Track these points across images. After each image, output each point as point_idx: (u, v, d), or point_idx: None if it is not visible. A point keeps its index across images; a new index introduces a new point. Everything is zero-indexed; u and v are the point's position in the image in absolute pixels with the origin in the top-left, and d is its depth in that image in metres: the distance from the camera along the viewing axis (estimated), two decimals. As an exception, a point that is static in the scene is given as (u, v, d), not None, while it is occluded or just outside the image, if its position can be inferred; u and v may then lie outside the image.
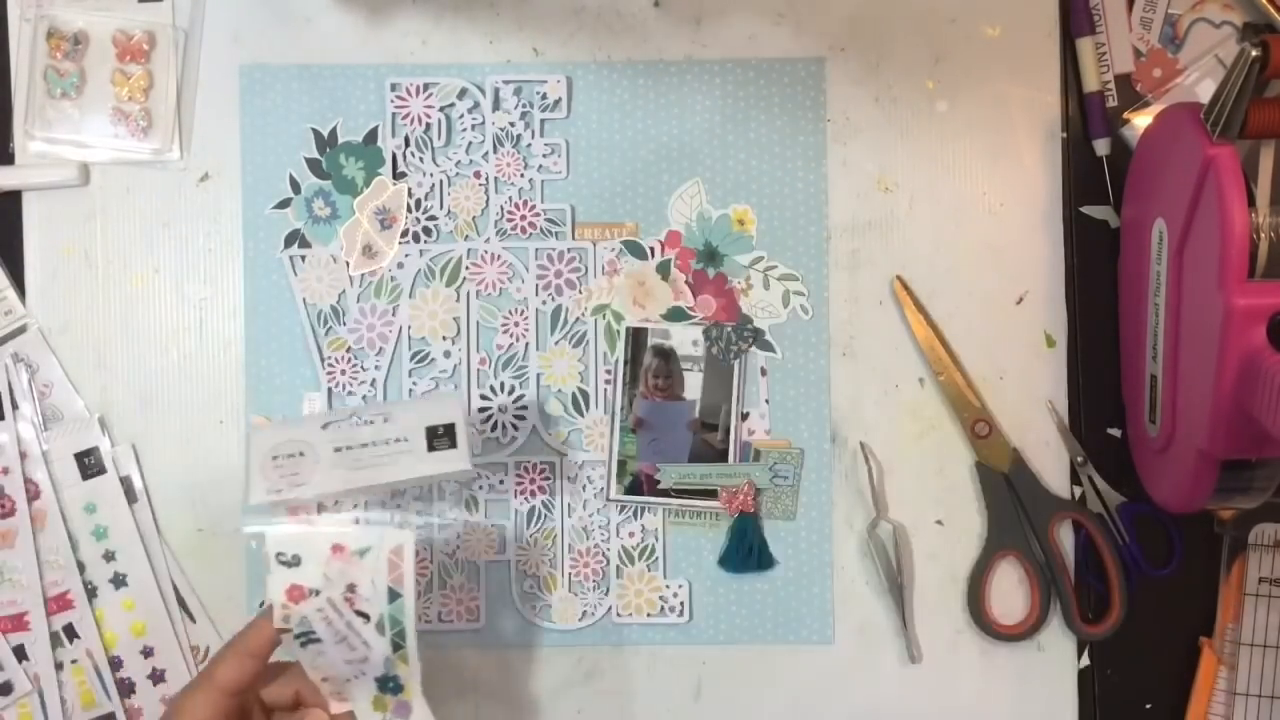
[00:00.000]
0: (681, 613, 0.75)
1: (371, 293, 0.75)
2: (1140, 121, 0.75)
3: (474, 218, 0.75)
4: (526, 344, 0.75)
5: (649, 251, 0.75)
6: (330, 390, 0.75)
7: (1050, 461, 0.76)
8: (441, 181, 0.75)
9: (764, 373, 0.75)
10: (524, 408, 0.75)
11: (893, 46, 0.76)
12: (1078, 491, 0.76)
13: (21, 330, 0.75)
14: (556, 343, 0.75)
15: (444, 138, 0.75)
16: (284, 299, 0.75)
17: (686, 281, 0.75)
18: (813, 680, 0.75)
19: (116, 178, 0.76)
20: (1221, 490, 0.65)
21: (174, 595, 0.75)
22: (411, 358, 0.75)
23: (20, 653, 0.74)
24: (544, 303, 0.75)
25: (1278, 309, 0.59)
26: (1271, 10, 0.74)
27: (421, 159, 0.75)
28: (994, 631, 0.75)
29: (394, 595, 0.60)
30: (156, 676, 0.75)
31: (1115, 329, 0.75)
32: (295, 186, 0.76)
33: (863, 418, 0.76)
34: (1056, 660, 0.75)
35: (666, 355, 0.75)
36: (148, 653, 0.74)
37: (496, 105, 0.75)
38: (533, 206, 0.75)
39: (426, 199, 0.75)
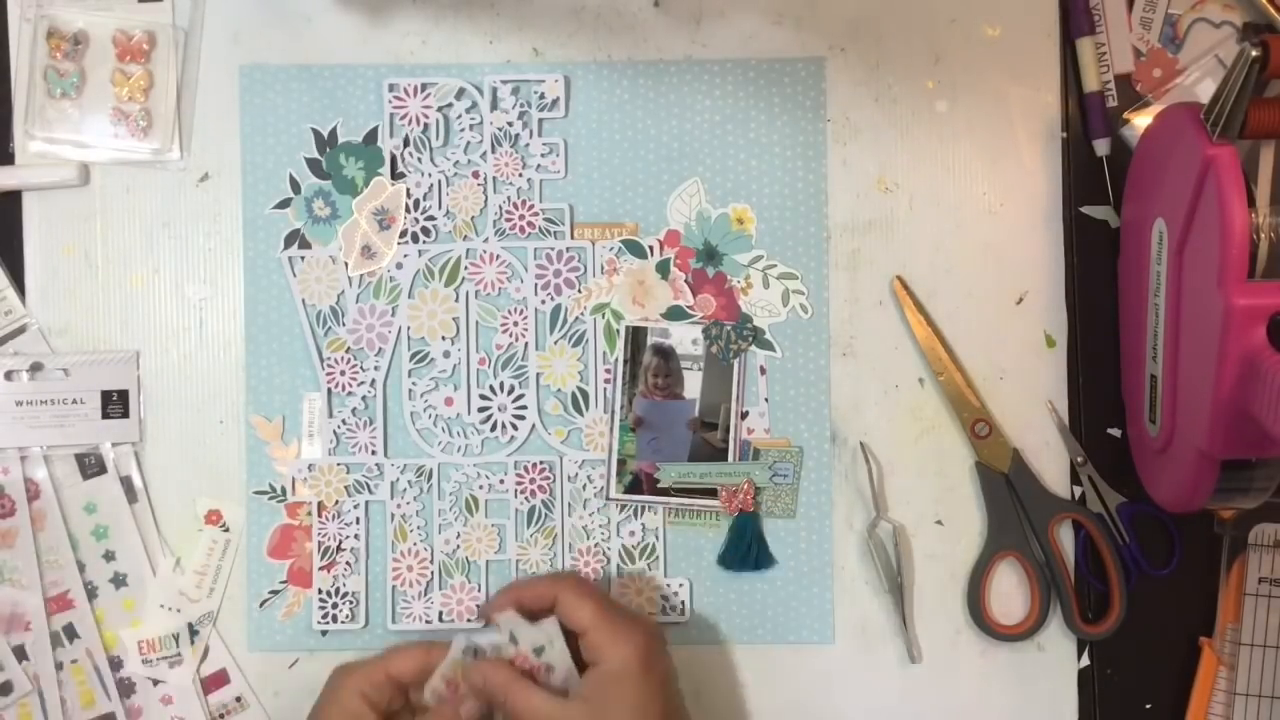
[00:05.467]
0: (682, 612, 0.75)
1: (370, 293, 0.75)
2: (1140, 121, 0.75)
3: (472, 218, 0.75)
4: (526, 343, 0.75)
5: (648, 250, 0.75)
6: (330, 391, 0.75)
7: (1050, 461, 0.76)
8: (440, 181, 0.75)
9: (763, 372, 0.75)
10: (524, 407, 0.75)
11: (893, 46, 0.76)
12: (1078, 491, 0.75)
13: (21, 330, 0.75)
14: (556, 342, 0.75)
15: (442, 138, 0.75)
16: (284, 299, 0.75)
17: (686, 280, 0.75)
18: (813, 680, 0.75)
19: (116, 178, 0.76)
20: (1221, 490, 0.65)
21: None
22: (411, 358, 0.75)
23: (20, 653, 0.74)
24: (543, 302, 0.75)
25: (1278, 309, 0.59)
26: (1271, 10, 0.74)
27: (420, 159, 0.75)
28: (994, 631, 0.75)
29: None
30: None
31: (1115, 329, 0.75)
32: (295, 186, 0.76)
33: (863, 418, 0.75)
34: (1056, 660, 0.75)
35: (666, 354, 0.75)
36: (148, 652, 0.75)
37: (494, 105, 0.75)
38: (531, 206, 0.75)
39: (425, 199, 0.75)
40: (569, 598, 0.66)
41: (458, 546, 0.75)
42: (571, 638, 0.67)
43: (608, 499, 0.75)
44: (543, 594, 0.68)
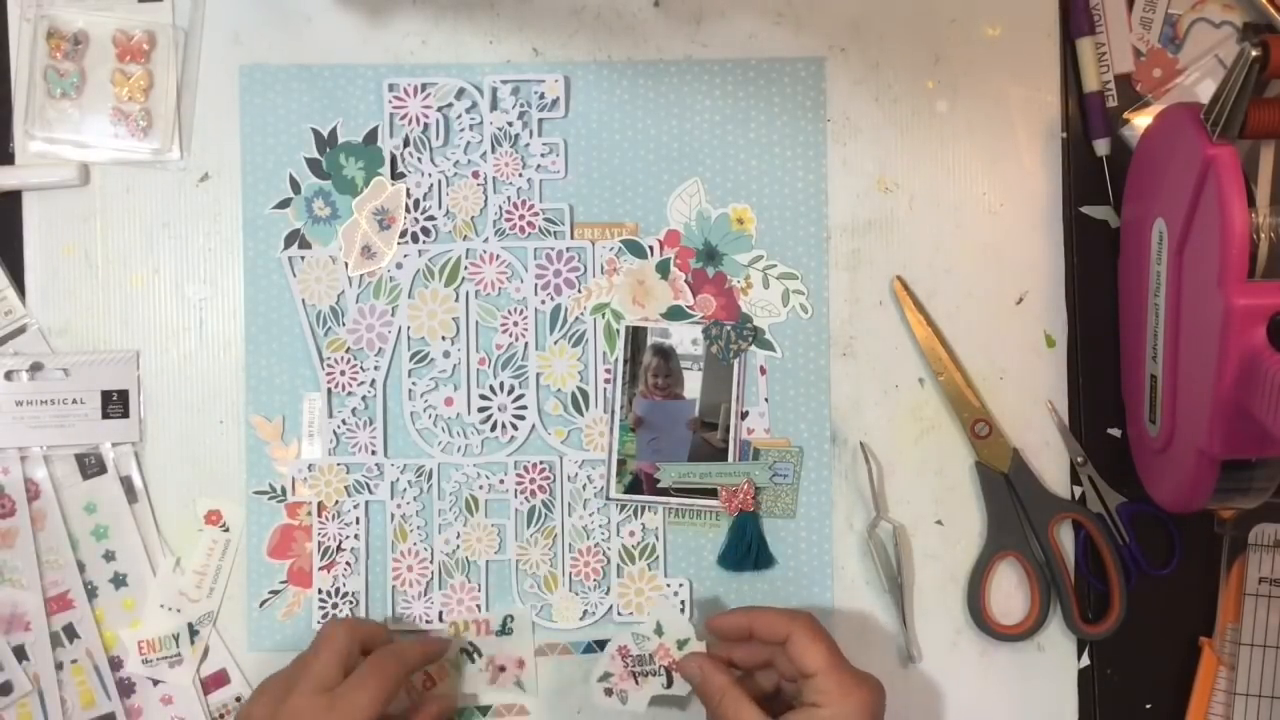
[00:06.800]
0: (682, 611, 0.75)
1: (370, 293, 0.75)
2: (1140, 121, 0.75)
3: (472, 218, 0.75)
4: (526, 343, 0.75)
5: (648, 250, 0.75)
6: (330, 391, 0.75)
7: (1050, 461, 0.76)
8: (440, 181, 0.75)
9: (763, 371, 0.75)
10: (524, 407, 0.75)
11: (893, 46, 0.76)
12: (1078, 491, 0.75)
13: (21, 330, 0.75)
14: (556, 342, 0.75)
15: (442, 138, 0.75)
16: (284, 299, 0.75)
17: (686, 280, 0.75)
18: (812, 680, 0.75)
19: (116, 178, 0.76)
20: (1221, 490, 0.65)
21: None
22: (411, 358, 0.75)
23: (20, 653, 0.74)
24: (543, 302, 0.75)
25: (1278, 309, 0.59)
26: (1271, 10, 0.74)
27: (420, 159, 0.75)
28: (994, 631, 0.75)
29: None
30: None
31: (1115, 329, 0.75)
32: (295, 186, 0.76)
33: (863, 418, 0.75)
34: (1056, 660, 0.75)
35: (666, 354, 0.75)
36: (148, 652, 0.75)
37: (494, 105, 0.75)
38: (531, 206, 0.75)
39: (425, 199, 0.75)
40: (803, 638, 0.65)
41: (458, 546, 0.75)
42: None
43: (608, 499, 0.75)
44: (775, 627, 0.66)
